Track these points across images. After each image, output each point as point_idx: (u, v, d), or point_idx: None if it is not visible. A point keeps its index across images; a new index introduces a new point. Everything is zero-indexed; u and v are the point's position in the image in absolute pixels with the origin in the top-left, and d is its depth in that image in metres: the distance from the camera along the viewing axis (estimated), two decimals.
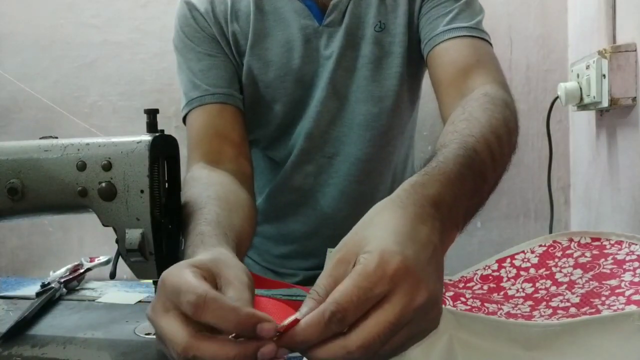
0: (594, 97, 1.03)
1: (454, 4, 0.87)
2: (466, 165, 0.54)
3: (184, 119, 0.92)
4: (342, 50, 0.90)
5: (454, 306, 0.63)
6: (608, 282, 0.62)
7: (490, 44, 0.87)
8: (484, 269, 0.72)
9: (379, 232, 0.44)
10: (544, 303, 0.63)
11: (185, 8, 0.92)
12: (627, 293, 0.59)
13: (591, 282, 0.63)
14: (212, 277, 0.47)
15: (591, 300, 0.61)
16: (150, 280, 0.67)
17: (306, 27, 0.90)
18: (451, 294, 0.67)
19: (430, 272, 0.43)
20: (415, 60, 0.92)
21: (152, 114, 0.66)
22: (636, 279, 0.61)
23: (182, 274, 0.44)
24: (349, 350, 0.40)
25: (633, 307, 0.56)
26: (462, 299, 0.65)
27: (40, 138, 0.66)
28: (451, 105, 0.76)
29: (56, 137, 0.66)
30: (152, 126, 0.65)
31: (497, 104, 0.69)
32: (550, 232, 1.20)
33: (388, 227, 0.44)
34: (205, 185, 0.74)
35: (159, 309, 0.44)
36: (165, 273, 0.46)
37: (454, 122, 0.65)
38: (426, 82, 0.95)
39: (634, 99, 0.97)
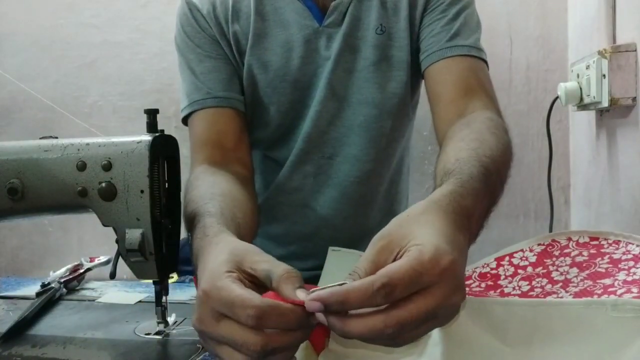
0: (594, 97, 1.03)
1: (455, 19, 0.88)
2: (486, 183, 0.59)
3: (185, 119, 0.93)
4: (342, 51, 0.90)
5: None
6: (602, 281, 0.62)
7: (487, 63, 0.90)
8: (483, 267, 0.72)
9: (428, 230, 0.47)
10: None
11: (186, 7, 0.93)
12: (619, 292, 0.59)
13: (585, 281, 0.63)
14: (240, 270, 0.50)
15: (583, 298, 0.61)
16: (150, 280, 0.66)
17: (306, 28, 0.90)
18: None
19: (464, 277, 0.47)
20: (416, 67, 0.93)
21: (152, 114, 0.66)
22: (629, 278, 0.61)
23: (227, 287, 0.47)
24: (386, 324, 0.43)
25: (612, 297, 0.57)
26: None
27: (40, 138, 0.67)
28: (449, 122, 0.81)
29: (56, 137, 0.66)
30: (152, 126, 0.66)
31: (501, 130, 0.74)
32: (551, 232, 1.21)
33: (435, 227, 0.48)
34: (210, 184, 0.76)
35: (211, 321, 0.47)
36: (207, 287, 0.48)
37: (464, 139, 0.70)
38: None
39: (634, 99, 0.97)
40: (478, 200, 0.55)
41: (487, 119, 0.76)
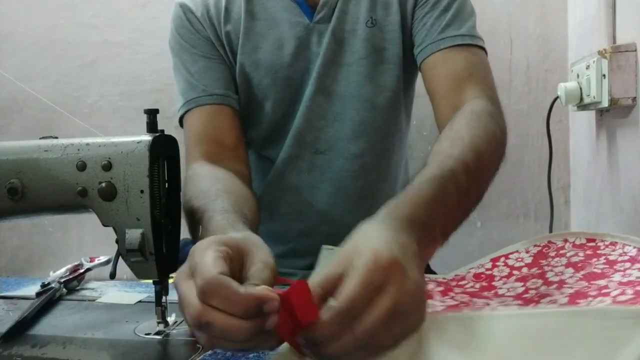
0: (594, 97, 1.03)
1: (447, 10, 0.89)
2: (442, 185, 0.60)
3: (181, 119, 0.94)
4: (332, 46, 0.91)
5: (442, 301, 0.63)
6: (597, 282, 0.62)
7: (483, 48, 0.89)
8: (478, 267, 0.72)
9: (367, 241, 0.50)
10: (533, 304, 0.63)
11: (180, 10, 0.94)
12: (613, 294, 0.58)
13: (580, 282, 0.63)
14: (239, 253, 0.50)
15: (577, 301, 0.60)
16: (150, 280, 0.66)
17: (297, 25, 0.91)
18: (441, 289, 0.66)
19: (413, 267, 0.49)
20: (410, 60, 0.93)
21: (152, 114, 0.66)
22: (624, 280, 0.60)
23: (205, 252, 0.48)
24: (356, 337, 0.45)
25: (597, 306, 0.56)
26: (451, 293, 0.65)
27: (40, 138, 0.66)
28: (444, 116, 0.81)
29: (56, 137, 0.66)
30: (152, 126, 0.65)
31: (483, 120, 0.74)
32: (551, 232, 1.21)
33: (373, 236, 0.50)
34: (213, 180, 0.77)
35: (184, 274, 0.49)
36: (197, 244, 0.50)
37: (440, 140, 0.71)
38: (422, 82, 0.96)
39: (634, 99, 0.97)
40: (424, 205, 0.57)
41: (470, 112, 0.77)
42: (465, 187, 0.63)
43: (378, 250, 0.47)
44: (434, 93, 0.87)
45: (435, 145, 0.71)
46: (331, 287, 0.47)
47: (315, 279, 0.48)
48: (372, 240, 0.49)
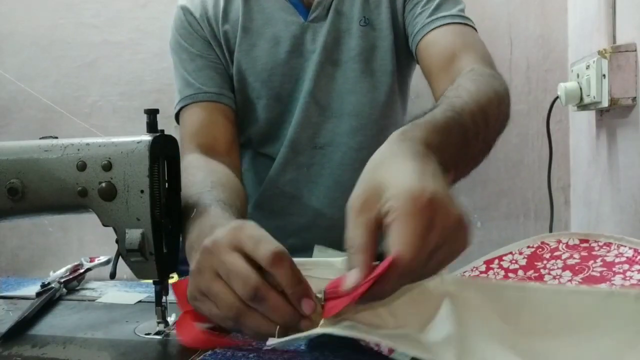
0: (594, 97, 1.03)
1: None
2: (452, 118, 0.59)
3: (177, 116, 0.97)
4: (327, 44, 0.94)
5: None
6: (598, 286, 0.62)
7: (475, 29, 0.91)
8: (472, 270, 0.71)
9: (395, 175, 0.48)
10: None
11: (181, 12, 0.98)
12: None
13: (581, 287, 0.63)
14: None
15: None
16: (150, 280, 0.66)
17: (292, 24, 0.95)
18: None
19: (451, 197, 0.47)
20: (403, 55, 0.97)
21: (152, 114, 0.66)
22: (627, 283, 0.60)
23: (258, 229, 0.51)
24: (402, 277, 0.46)
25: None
26: None
27: (40, 138, 0.66)
28: (442, 89, 0.81)
29: (56, 137, 0.66)
30: (152, 126, 0.65)
31: (484, 76, 0.75)
32: (551, 232, 1.20)
33: (400, 169, 0.48)
34: (207, 172, 0.80)
35: (225, 248, 0.50)
36: (240, 223, 0.52)
37: (445, 93, 0.70)
38: (423, 81, 0.96)
39: (634, 99, 0.97)
40: (435, 132, 0.56)
41: (470, 70, 0.78)
42: (476, 125, 0.62)
43: (413, 188, 0.45)
44: (430, 71, 0.89)
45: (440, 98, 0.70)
46: (374, 230, 0.47)
47: (354, 233, 0.47)
48: (400, 174, 0.47)
